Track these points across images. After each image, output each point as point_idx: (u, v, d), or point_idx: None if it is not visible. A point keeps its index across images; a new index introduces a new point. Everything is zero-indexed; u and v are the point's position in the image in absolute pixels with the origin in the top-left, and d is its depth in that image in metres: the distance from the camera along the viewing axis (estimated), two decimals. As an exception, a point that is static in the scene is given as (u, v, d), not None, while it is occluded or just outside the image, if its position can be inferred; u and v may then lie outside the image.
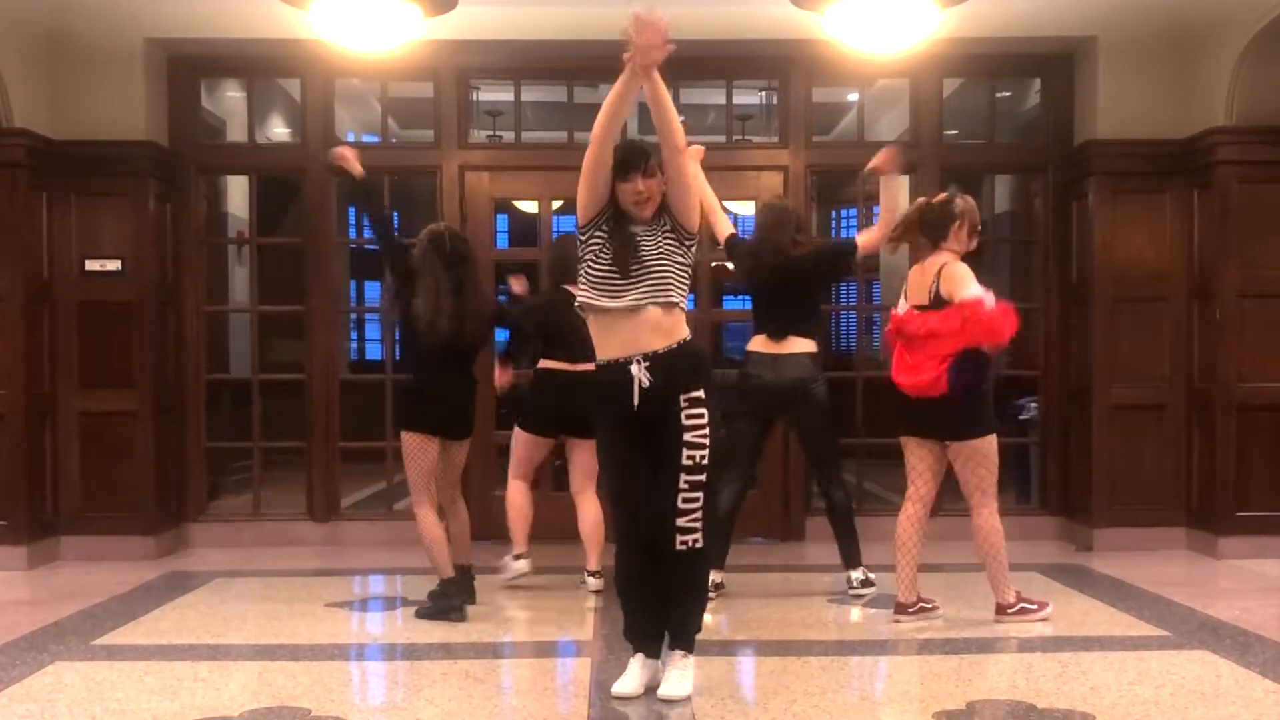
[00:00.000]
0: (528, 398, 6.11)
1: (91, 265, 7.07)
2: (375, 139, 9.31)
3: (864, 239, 5.77)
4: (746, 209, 7.75)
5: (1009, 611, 5.22)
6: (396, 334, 7.22)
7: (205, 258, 7.82)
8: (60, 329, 7.05)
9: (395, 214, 5.70)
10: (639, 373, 3.98)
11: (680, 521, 4.00)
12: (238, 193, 9.18)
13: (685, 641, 4.13)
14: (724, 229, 5.84)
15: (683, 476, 3.99)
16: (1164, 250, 7.21)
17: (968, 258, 5.21)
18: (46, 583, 6.46)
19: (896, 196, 5.73)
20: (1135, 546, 7.05)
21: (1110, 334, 7.20)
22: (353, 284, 13.83)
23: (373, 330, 15.98)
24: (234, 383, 8.26)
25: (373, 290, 14.51)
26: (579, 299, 4.14)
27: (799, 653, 4.83)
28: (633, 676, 4.15)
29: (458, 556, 5.52)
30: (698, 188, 4.13)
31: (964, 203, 5.22)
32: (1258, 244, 6.87)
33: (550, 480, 7.23)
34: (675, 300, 4.04)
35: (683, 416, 4.01)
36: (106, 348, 7.06)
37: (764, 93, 9.58)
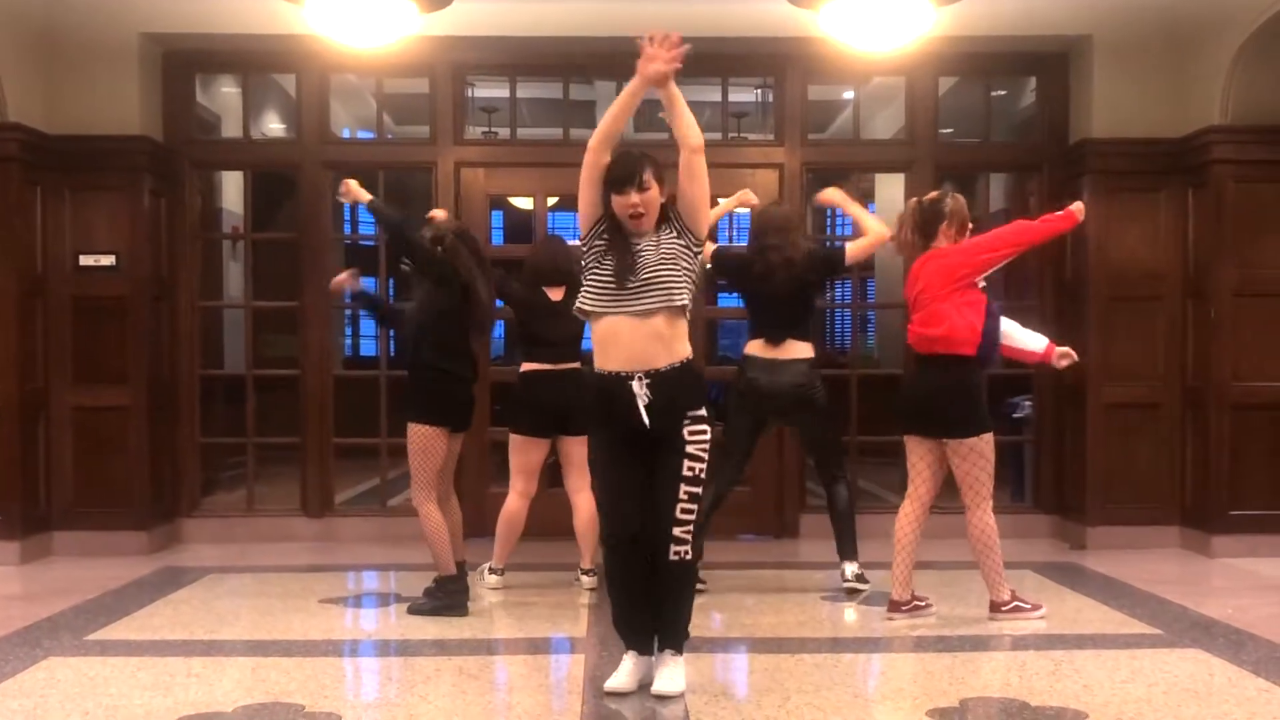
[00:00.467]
0: (517, 401, 6.06)
1: (86, 260, 7.05)
2: (371, 135, 9.31)
3: (853, 247, 5.82)
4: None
5: (1003, 609, 5.23)
6: (392, 331, 7.20)
7: (200, 253, 7.80)
8: (54, 324, 7.03)
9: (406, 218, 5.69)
10: (640, 390, 3.98)
11: (676, 532, 4.01)
12: (232, 188, 9.16)
13: (676, 643, 4.15)
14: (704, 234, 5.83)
15: (682, 487, 4.00)
16: (1159, 249, 7.22)
17: None
18: (39, 578, 6.44)
19: (860, 214, 5.85)
20: (1129, 545, 7.06)
21: (1105, 333, 7.21)
22: (347, 280, 13.76)
23: (367, 326, 15.95)
24: (228, 378, 8.25)
25: (368, 286, 14.44)
26: (578, 304, 4.11)
27: (793, 650, 4.82)
28: (625, 672, 4.16)
29: (453, 553, 5.50)
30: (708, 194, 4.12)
31: (954, 201, 5.28)
32: (1252, 243, 6.89)
33: (545, 477, 7.22)
34: (679, 305, 4.00)
35: (686, 434, 4.01)
36: (100, 343, 7.05)
37: (760, 90, 9.58)
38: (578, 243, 4.24)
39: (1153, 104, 7.18)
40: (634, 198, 3.99)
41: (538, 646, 5.13)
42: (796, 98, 7.66)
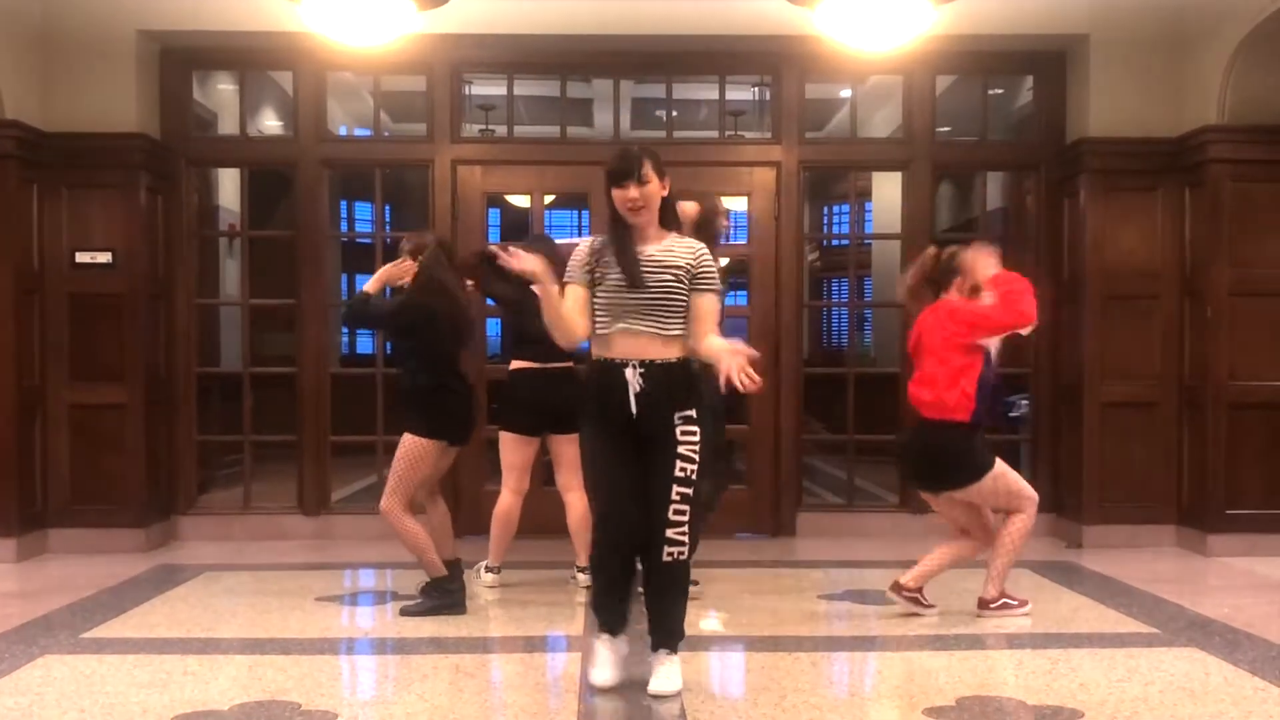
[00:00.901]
0: (507, 399, 6.06)
1: (82, 257, 7.04)
2: (368, 132, 9.30)
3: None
4: (739, 205, 7.75)
5: (991, 606, 5.27)
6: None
7: (196, 250, 7.79)
8: (50, 321, 7.02)
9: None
10: (633, 378, 3.99)
11: (669, 533, 4.01)
12: (229, 186, 9.16)
13: (671, 643, 4.15)
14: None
15: (674, 488, 4.01)
16: (1155, 248, 7.23)
17: None
18: (35, 575, 6.44)
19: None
20: (1125, 544, 7.07)
21: (1101, 331, 7.22)
22: (344, 277, 13.78)
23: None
24: (225, 376, 8.25)
25: (364, 284, 14.43)
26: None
27: (789, 648, 4.83)
28: (604, 661, 4.18)
29: (444, 551, 5.49)
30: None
31: (968, 259, 5.28)
32: (1249, 243, 6.89)
33: (538, 475, 7.21)
34: (675, 334, 4.03)
35: (677, 433, 4.02)
36: (97, 340, 7.04)
37: (757, 88, 9.58)
38: (567, 242, 4.25)
39: (1149, 103, 7.19)
40: (633, 191, 4.02)
41: (534, 645, 5.12)
42: (794, 96, 7.65)
